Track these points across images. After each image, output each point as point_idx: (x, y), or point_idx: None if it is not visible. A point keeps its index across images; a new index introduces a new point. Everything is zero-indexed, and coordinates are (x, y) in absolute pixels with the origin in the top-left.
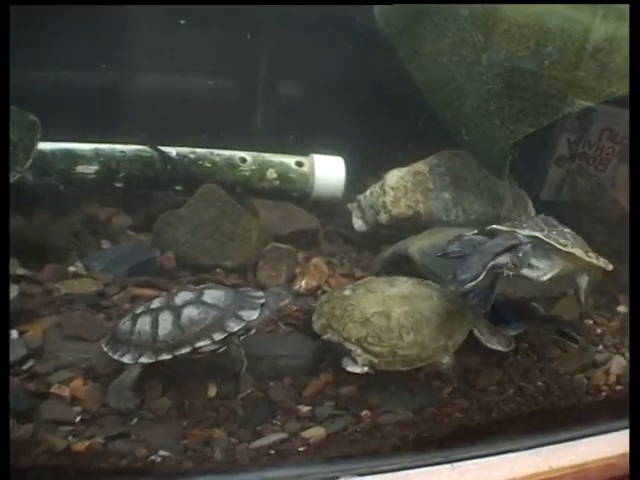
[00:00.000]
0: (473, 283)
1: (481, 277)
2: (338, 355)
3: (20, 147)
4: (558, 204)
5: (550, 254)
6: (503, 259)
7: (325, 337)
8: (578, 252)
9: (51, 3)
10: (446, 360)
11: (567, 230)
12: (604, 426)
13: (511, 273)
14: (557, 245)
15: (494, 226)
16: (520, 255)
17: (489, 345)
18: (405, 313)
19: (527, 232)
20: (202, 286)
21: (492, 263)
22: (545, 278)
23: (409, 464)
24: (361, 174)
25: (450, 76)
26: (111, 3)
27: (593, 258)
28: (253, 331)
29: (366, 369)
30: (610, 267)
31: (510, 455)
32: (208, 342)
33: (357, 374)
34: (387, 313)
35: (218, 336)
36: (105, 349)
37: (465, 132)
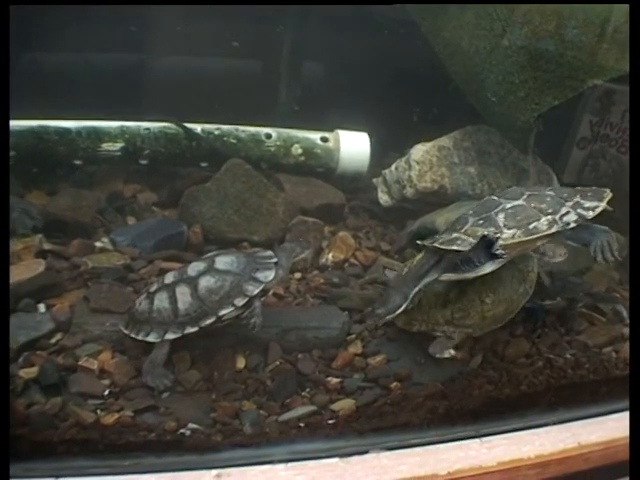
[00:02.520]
0: (391, 316)
1: (402, 309)
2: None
3: None
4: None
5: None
6: (434, 275)
7: (414, 329)
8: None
9: (51, 3)
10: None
11: (514, 204)
12: None
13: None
14: (457, 248)
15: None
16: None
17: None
18: (475, 279)
19: (436, 243)
20: (211, 254)
21: (417, 289)
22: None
23: (438, 438)
24: (385, 149)
25: (474, 50)
26: (114, 3)
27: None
28: (271, 291)
29: (453, 352)
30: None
31: (539, 430)
32: (231, 309)
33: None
34: (460, 286)
35: (240, 301)
36: (126, 332)
37: (489, 106)
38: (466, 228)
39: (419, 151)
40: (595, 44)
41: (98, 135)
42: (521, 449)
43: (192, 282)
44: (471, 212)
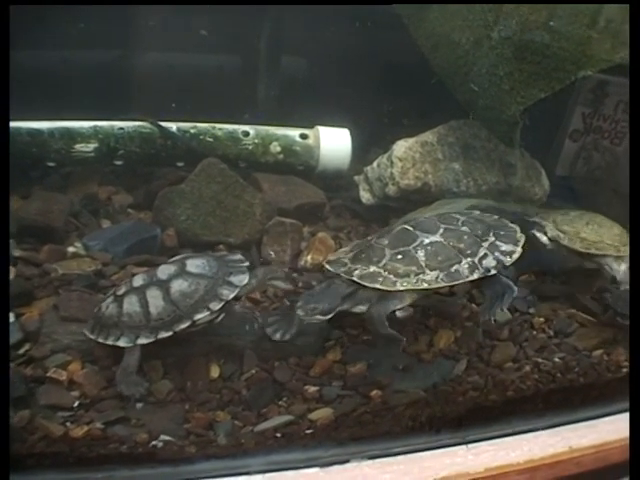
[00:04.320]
0: (322, 318)
1: (329, 316)
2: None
3: None
4: (573, 179)
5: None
6: (347, 305)
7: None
8: (416, 284)
9: (51, 3)
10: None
11: (432, 240)
12: (625, 404)
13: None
14: (381, 287)
15: (326, 266)
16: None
17: None
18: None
19: (353, 276)
20: (179, 257)
21: (339, 309)
22: (397, 309)
23: (423, 445)
24: (366, 145)
25: (457, 42)
26: (107, 3)
27: (456, 275)
28: (243, 296)
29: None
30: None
31: (528, 435)
32: (206, 313)
33: None
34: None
35: (215, 305)
36: (92, 336)
37: (474, 99)
38: (385, 262)
39: (401, 147)
40: (584, 34)
41: (71, 136)
42: (509, 454)
43: (163, 285)
44: (385, 242)
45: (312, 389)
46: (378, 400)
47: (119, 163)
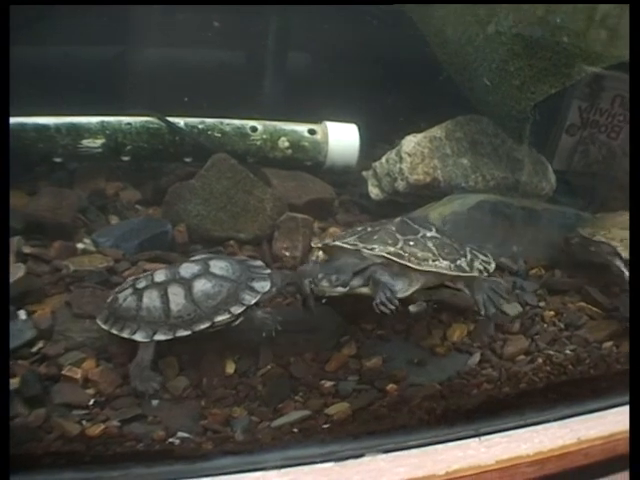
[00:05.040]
0: (343, 290)
1: (347, 289)
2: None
3: None
4: (570, 173)
5: (407, 271)
6: (356, 282)
7: (595, 238)
8: (438, 268)
9: (51, 3)
10: None
11: (432, 234)
12: None
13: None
14: (411, 265)
15: (336, 243)
16: (370, 277)
17: None
18: None
19: (376, 251)
20: (201, 256)
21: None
22: (402, 295)
23: (436, 438)
24: (373, 140)
25: (466, 37)
26: (107, 3)
27: (462, 268)
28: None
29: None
30: (484, 274)
31: (538, 427)
32: (227, 316)
33: None
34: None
35: (237, 309)
36: (105, 327)
37: (483, 95)
38: (401, 245)
39: (410, 142)
40: (595, 31)
41: (78, 131)
42: (520, 446)
43: (186, 284)
44: (393, 229)
45: (328, 384)
46: (394, 394)
47: (126, 159)
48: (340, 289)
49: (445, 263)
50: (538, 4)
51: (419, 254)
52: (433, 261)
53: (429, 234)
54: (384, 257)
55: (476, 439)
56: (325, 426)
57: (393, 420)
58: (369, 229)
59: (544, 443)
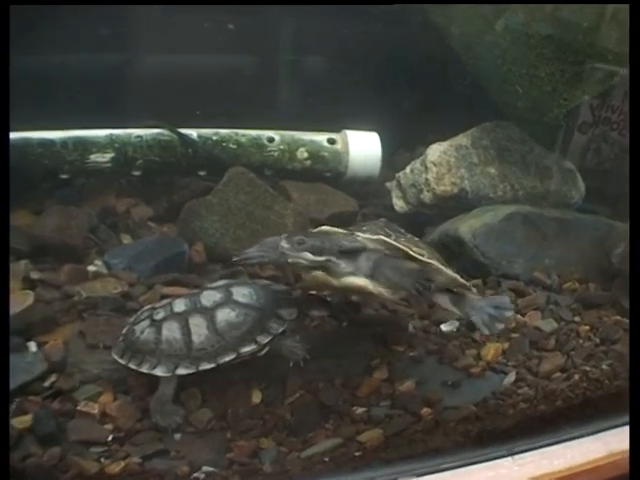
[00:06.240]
0: (311, 257)
1: (321, 259)
2: None
3: None
4: (583, 171)
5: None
6: (346, 266)
7: None
8: (437, 264)
9: (51, 3)
10: None
11: (416, 238)
12: None
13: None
14: (411, 253)
15: (326, 228)
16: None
17: None
18: None
19: (370, 235)
20: (223, 282)
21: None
22: (398, 296)
23: (470, 459)
24: (393, 148)
25: (493, 41)
26: (108, 3)
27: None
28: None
29: None
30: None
31: (572, 442)
32: (253, 347)
33: None
34: None
35: (263, 339)
36: (122, 361)
37: (513, 100)
38: (394, 238)
39: (435, 151)
40: (626, 34)
41: (85, 146)
42: (552, 463)
43: (208, 313)
44: (380, 226)
45: (360, 410)
46: (428, 418)
47: (137, 173)
48: (308, 256)
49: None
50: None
51: (414, 248)
52: (427, 257)
53: (415, 238)
54: (382, 241)
55: (509, 458)
56: (357, 453)
57: (426, 444)
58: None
59: (576, 458)
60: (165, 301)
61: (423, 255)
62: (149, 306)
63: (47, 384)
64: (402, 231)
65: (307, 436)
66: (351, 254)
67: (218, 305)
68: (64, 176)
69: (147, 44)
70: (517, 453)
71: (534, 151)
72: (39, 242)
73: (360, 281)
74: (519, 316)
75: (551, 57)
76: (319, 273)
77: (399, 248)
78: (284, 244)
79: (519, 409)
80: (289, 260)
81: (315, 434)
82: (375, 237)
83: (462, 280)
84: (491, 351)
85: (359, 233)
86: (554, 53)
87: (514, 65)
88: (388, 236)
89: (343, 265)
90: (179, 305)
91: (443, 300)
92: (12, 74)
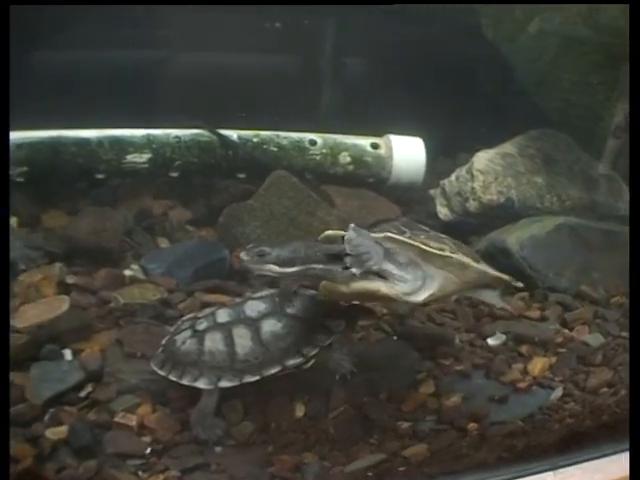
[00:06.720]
0: (277, 270)
1: (291, 270)
2: None
3: None
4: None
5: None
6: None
7: None
8: (462, 258)
9: (51, 3)
10: None
11: (443, 235)
12: None
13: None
14: (425, 247)
15: (329, 232)
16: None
17: None
18: None
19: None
20: (268, 292)
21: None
22: (418, 299)
23: (512, 474)
24: (434, 154)
25: (543, 46)
26: (112, 3)
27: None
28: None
29: None
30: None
31: (613, 457)
32: (299, 359)
33: None
34: None
35: (310, 351)
36: (162, 373)
37: (563, 108)
38: (409, 235)
39: (482, 159)
40: None
41: (122, 145)
42: (593, 477)
43: (253, 324)
44: (397, 224)
45: (405, 425)
46: (474, 433)
47: (175, 175)
48: (274, 268)
49: (466, 258)
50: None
51: (432, 244)
52: (452, 252)
53: (442, 235)
54: (388, 238)
55: (551, 473)
56: (401, 469)
57: (471, 459)
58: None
59: (616, 472)
60: (208, 311)
61: (444, 250)
62: (191, 315)
63: (83, 394)
64: (425, 229)
65: (350, 451)
66: (356, 257)
67: (263, 315)
68: (99, 176)
69: (185, 41)
70: (559, 467)
71: (581, 160)
72: (73, 244)
73: (371, 284)
74: (566, 331)
75: (604, 64)
76: (326, 282)
77: (408, 244)
78: (243, 256)
79: (565, 424)
80: (255, 273)
81: (359, 449)
82: (381, 235)
83: (495, 272)
84: (538, 366)
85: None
86: (607, 60)
87: (565, 72)
88: (402, 233)
89: (340, 270)
90: (222, 315)
91: (484, 295)
92: (46, 71)
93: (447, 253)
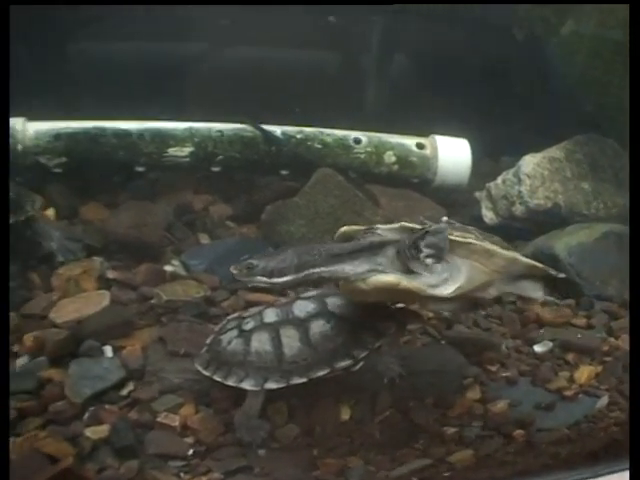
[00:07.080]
0: (267, 280)
1: (283, 280)
2: None
3: None
4: None
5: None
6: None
7: None
8: (486, 245)
9: (51, 3)
10: None
11: (470, 227)
12: None
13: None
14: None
15: (345, 228)
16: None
17: None
18: None
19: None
20: (316, 292)
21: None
22: (445, 293)
23: None
24: (478, 157)
25: (596, 48)
26: (115, 3)
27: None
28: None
29: None
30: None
31: None
32: (349, 362)
33: None
34: None
35: (359, 353)
36: (206, 373)
37: (614, 113)
38: None
39: (529, 163)
40: None
41: (163, 138)
42: None
43: (301, 325)
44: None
45: (451, 430)
46: (520, 440)
47: (216, 169)
48: (263, 279)
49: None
50: None
51: (455, 233)
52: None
53: (469, 227)
54: (403, 227)
55: None
56: (446, 474)
57: (515, 466)
58: None
59: None
60: (254, 310)
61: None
62: (236, 314)
63: (124, 393)
64: (451, 221)
65: (396, 455)
66: (368, 251)
67: (312, 316)
68: (139, 169)
69: (230, 35)
70: (600, 475)
71: (627, 168)
72: (113, 238)
73: (389, 277)
74: (612, 339)
75: None
76: (343, 282)
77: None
78: (233, 270)
79: (610, 432)
80: (248, 285)
81: (404, 453)
82: (397, 225)
83: (526, 260)
84: (584, 374)
85: (379, 225)
86: None
87: (616, 77)
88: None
89: (350, 267)
90: (270, 315)
91: (525, 288)
92: (90, 62)
93: (470, 240)
